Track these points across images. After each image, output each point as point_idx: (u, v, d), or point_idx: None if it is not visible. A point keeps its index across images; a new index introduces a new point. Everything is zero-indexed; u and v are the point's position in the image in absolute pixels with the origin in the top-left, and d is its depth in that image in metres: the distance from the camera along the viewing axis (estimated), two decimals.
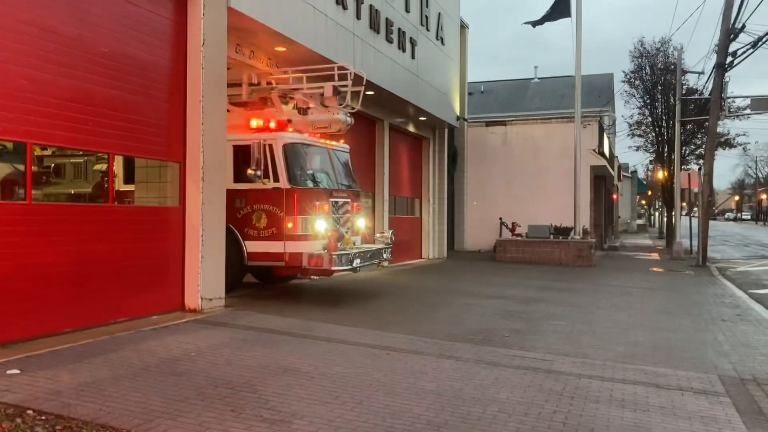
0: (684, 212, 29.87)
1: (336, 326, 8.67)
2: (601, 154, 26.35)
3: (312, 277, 10.70)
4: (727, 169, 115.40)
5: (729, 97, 27.67)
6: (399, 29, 17.12)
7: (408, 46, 17.83)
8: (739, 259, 25.74)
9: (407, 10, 17.83)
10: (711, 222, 27.90)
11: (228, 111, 11.03)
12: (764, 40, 18.78)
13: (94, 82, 7.80)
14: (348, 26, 14.30)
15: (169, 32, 9.03)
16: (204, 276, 9.16)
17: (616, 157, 41.55)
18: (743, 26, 20.47)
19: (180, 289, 9.15)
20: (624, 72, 34.32)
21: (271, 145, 10.39)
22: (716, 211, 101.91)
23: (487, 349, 7.79)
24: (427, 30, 19.55)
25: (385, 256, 11.33)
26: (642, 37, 39.73)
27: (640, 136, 36.42)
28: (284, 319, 8.99)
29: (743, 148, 39.60)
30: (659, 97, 33.38)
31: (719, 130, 28.53)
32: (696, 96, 30.62)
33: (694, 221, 25.38)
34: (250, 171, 10.17)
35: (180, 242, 9.14)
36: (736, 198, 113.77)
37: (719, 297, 13.76)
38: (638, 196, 62.63)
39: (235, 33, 10.89)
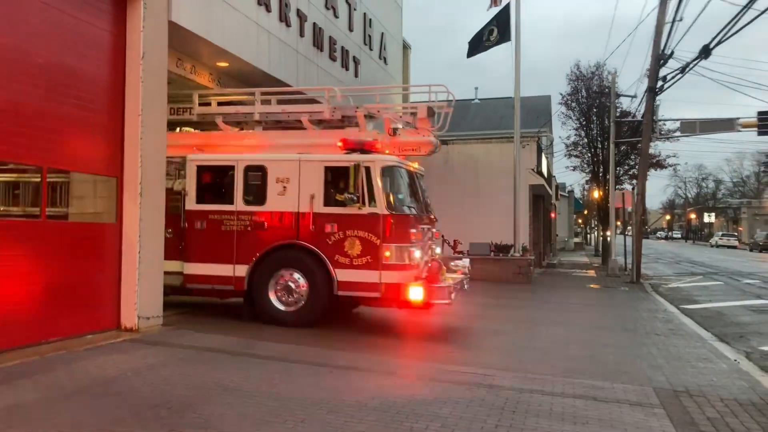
0: (618, 231, 30.78)
1: (278, 344, 8.56)
2: (540, 173, 26.95)
3: (398, 307, 9.81)
4: (658, 189, 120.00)
5: (660, 120, 28.78)
6: (342, 48, 17.23)
7: (351, 64, 17.95)
8: (671, 275, 26.64)
9: (350, 29, 17.96)
10: (644, 240, 28.85)
11: (305, 129, 10.97)
12: (691, 66, 19.66)
13: (28, 94, 7.56)
14: (291, 43, 14.30)
15: (108, 45, 8.83)
16: (141, 294, 8.91)
17: (554, 176, 42.55)
18: (672, 52, 21.38)
19: (116, 308, 8.87)
20: (561, 94, 35.43)
21: (368, 168, 9.54)
22: (649, 229, 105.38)
23: (430, 365, 7.82)
24: (370, 49, 19.73)
25: (466, 287, 10.74)
26: (578, 60, 41.08)
27: (576, 156, 37.45)
28: (225, 337, 8.82)
29: (674, 169, 41.17)
30: (594, 119, 34.45)
31: (651, 151, 29.55)
32: (629, 118, 31.73)
33: (629, 239, 26.16)
34: (346, 195, 9.38)
35: (116, 259, 8.88)
36: (668, 217, 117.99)
37: (653, 312, 14.19)
38: (575, 215, 64.24)
39: (176, 47, 10.76)
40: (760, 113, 24.11)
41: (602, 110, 32.67)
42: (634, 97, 35.50)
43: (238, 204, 10.04)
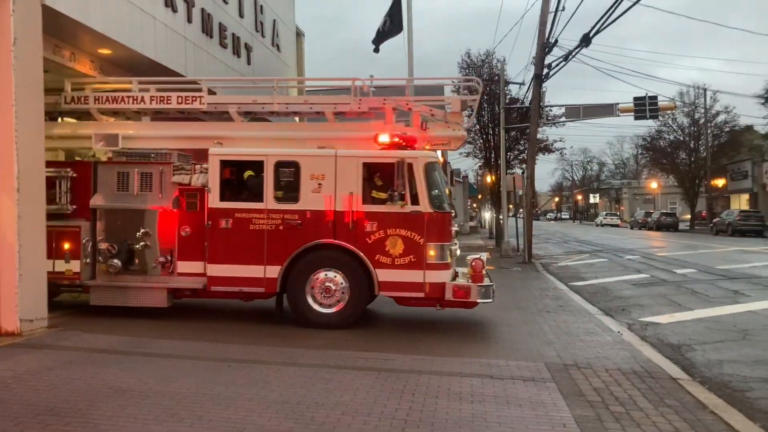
0: (511, 213, 31.88)
1: (173, 341, 8.29)
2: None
3: (437, 307, 9.46)
4: (547, 172, 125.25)
5: (546, 106, 29.93)
6: (233, 34, 16.82)
7: (243, 51, 17.56)
8: (560, 255, 27.89)
9: (241, 16, 17.55)
10: (535, 222, 29.99)
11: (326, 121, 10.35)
12: (574, 53, 20.53)
13: None
14: (179, 30, 13.80)
15: None
16: (23, 296, 8.38)
17: (449, 163, 43.42)
18: (556, 41, 22.24)
19: None
20: (453, 82, 35.95)
21: (411, 165, 9.19)
22: (539, 211, 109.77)
23: (330, 353, 7.81)
24: (263, 36, 19.37)
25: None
26: (469, 49, 41.94)
27: (469, 143, 38.39)
28: (117, 337, 8.45)
29: (561, 153, 42.93)
30: (485, 106, 35.38)
31: (539, 136, 30.68)
32: (518, 105, 32.82)
33: (520, 221, 27.14)
34: (392, 192, 9.04)
35: None
36: (556, 199, 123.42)
37: (544, 290, 14.81)
38: (470, 200, 65.92)
39: (53, 33, 10.13)
40: (636, 99, 25.61)
41: (492, 97, 33.60)
42: (522, 84, 36.81)
43: (269, 202, 9.40)
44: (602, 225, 74.17)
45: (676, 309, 11.80)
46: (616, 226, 71.76)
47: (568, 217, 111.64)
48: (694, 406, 6.00)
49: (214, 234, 9.45)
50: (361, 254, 9.17)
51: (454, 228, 9.86)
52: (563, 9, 21.55)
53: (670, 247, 31.34)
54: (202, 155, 10.00)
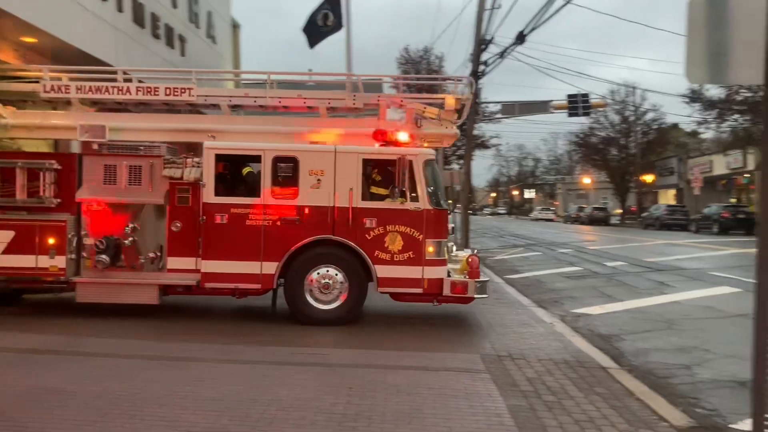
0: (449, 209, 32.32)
1: (107, 339, 8.07)
2: None
3: (435, 302, 9.49)
4: (484, 168, 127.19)
5: (483, 103, 30.42)
6: (166, 25, 16.44)
7: (177, 43, 17.19)
8: (497, 248, 28.38)
9: (174, 6, 17.18)
10: (472, 217, 30.44)
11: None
12: (509, 51, 20.91)
13: None
14: (108, 19, 13.40)
15: None
16: None
17: None
18: (492, 38, 22.59)
19: None
20: (391, 78, 36.12)
21: (411, 162, 9.20)
22: (476, 206, 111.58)
23: (270, 349, 7.76)
24: (197, 27, 19.01)
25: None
26: (407, 45, 42.23)
27: None
28: (47, 336, 8.16)
29: (497, 149, 43.82)
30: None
31: (476, 132, 31.18)
32: None
33: (458, 217, 27.51)
34: (393, 189, 9.08)
35: None
36: (493, 194, 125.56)
37: None
38: None
39: None
40: (569, 96, 26.31)
41: (431, 92, 33.90)
42: (460, 80, 37.15)
43: (266, 197, 9.23)
44: (537, 219, 75.88)
45: (606, 300, 12.19)
46: (551, 220, 73.53)
47: (504, 212, 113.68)
48: (621, 393, 6.23)
49: (209, 229, 9.22)
50: (361, 250, 9.15)
51: (450, 225, 9.81)
52: (499, 6, 21.85)
53: (602, 240, 32.33)
54: (189, 148, 9.80)
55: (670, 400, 6.12)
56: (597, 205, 65.94)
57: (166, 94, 10.14)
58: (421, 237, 9.17)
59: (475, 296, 9.30)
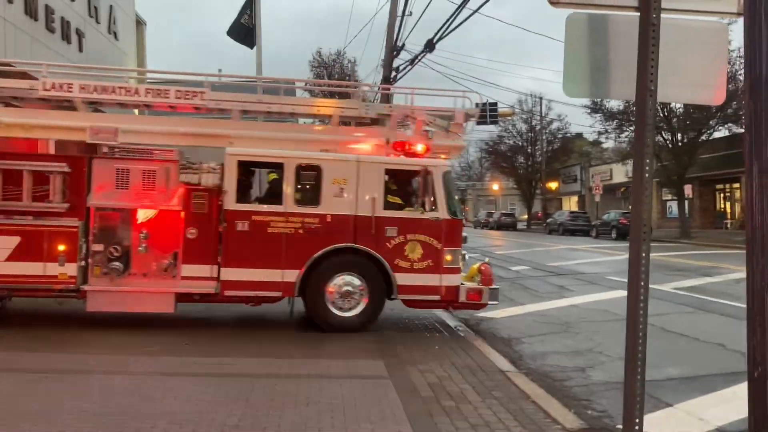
0: None
1: None
2: None
3: (450, 309, 10.04)
4: None
5: None
6: (62, 18, 15.64)
7: (74, 37, 16.38)
8: None
9: None
10: None
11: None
12: (419, 58, 21.15)
13: None
14: None
15: None
16: None
17: None
18: (404, 45, 22.81)
19: None
20: (305, 82, 35.90)
21: (431, 172, 9.39)
22: None
23: (164, 359, 7.46)
24: (98, 22, 18.20)
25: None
26: (320, 48, 42.01)
27: None
28: None
29: None
30: None
31: None
32: None
33: None
34: (415, 199, 9.48)
35: None
36: None
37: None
38: None
39: None
40: (477, 105, 26.82)
41: (344, 98, 33.90)
42: (373, 86, 37.36)
43: (288, 205, 9.18)
44: None
45: (509, 304, 12.46)
46: None
47: None
48: (518, 396, 6.34)
49: (230, 237, 9.07)
50: (382, 258, 9.22)
51: (464, 234, 10.12)
52: (410, 14, 22.13)
53: (508, 245, 33.23)
54: (193, 152, 9.71)
55: (564, 402, 6.28)
56: (505, 211, 67.79)
57: (176, 97, 9.75)
58: (439, 246, 9.38)
59: (489, 302, 9.66)
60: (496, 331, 10.02)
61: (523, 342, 9.25)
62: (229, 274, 9.09)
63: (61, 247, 8.79)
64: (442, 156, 10.26)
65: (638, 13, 2.60)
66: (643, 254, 2.62)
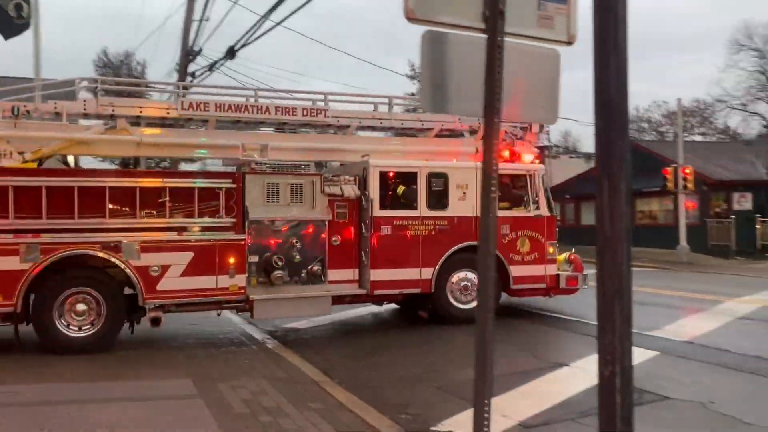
0: None
1: None
2: None
3: (550, 295, 11.40)
4: None
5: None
6: None
7: None
8: None
9: None
10: None
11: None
12: (219, 64, 20.63)
13: None
14: None
15: None
16: None
17: None
18: (201, 50, 22.11)
19: None
20: (86, 81, 33.33)
21: (533, 175, 11.13)
22: None
23: None
24: None
25: None
26: (106, 47, 39.24)
27: None
28: None
29: None
30: None
31: None
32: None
33: None
34: (528, 199, 11.07)
35: None
36: None
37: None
38: None
39: None
40: None
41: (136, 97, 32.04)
42: (166, 90, 35.71)
43: (422, 209, 10.56)
44: None
45: (315, 314, 12.49)
46: None
47: None
48: (334, 405, 6.39)
49: (377, 240, 10.21)
50: (499, 254, 10.04)
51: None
52: (208, 19, 21.47)
53: None
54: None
55: (379, 408, 6.42)
56: None
57: (303, 115, 10.82)
58: (543, 239, 11.02)
59: (582, 287, 11.28)
60: (304, 341, 10.02)
61: (333, 351, 9.32)
62: (378, 274, 10.21)
63: (231, 260, 9.26)
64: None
65: (486, 35, 2.77)
66: (490, 270, 2.76)
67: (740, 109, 45.76)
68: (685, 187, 23.60)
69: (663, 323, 10.58)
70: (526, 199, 11.14)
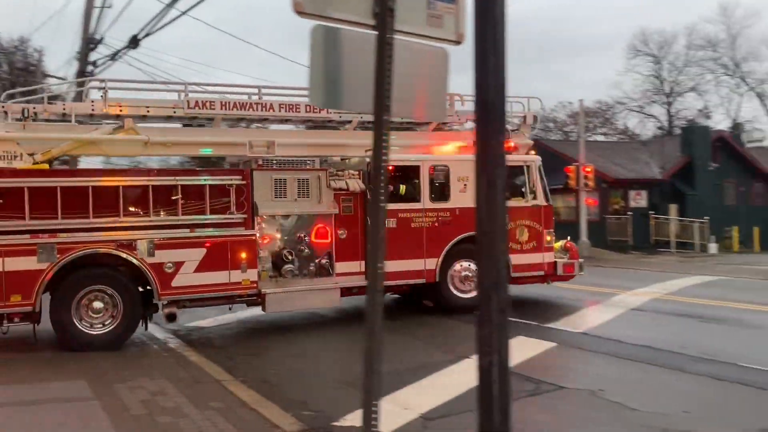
0: None
1: None
2: None
3: (548, 282, 11.82)
4: None
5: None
6: None
7: None
8: None
9: None
10: None
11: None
12: (121, 53, 19.81)
13: None
14: None
15: None
16: None
17: None
18: (102, 38, 21.18)
19: None
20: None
21: (531, 167, 11.48)
22: None
23: None
24: None
25: None
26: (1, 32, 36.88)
27: None
28: None
29: None
30: (20, 96, 31.74)
31: None
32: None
33: None
34: (524, 190, 11.43)
35: None
36: None
37: None
38: None
39: None
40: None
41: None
42: (64, 79, 34.06)
43: (425, 202, 10.81)
44: None
45: (219, 312, 12.25)
46: None
47: None
48: (237, 404, 6.30)
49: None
50: None
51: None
52: (110, 6, 20.54)
53: None
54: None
55: (283, 406, 6.37)
56: None
57: (307, 111, 10.99)
58: (540, 228, 11.34)
59: (578, 274, 11.79)
60: (208, 340, 9.82)
61: (237, 349, 9.17)
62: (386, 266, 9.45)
63: (243, 255, 9.43)
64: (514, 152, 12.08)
65: (376, 32, 2.78)
66: (379, 264, 2.79)
67: (637, 111, 48.29)
68: (586, 185, 24.58)
69: (561, 316, 11.01)
70: (524, 189, 11.54)
